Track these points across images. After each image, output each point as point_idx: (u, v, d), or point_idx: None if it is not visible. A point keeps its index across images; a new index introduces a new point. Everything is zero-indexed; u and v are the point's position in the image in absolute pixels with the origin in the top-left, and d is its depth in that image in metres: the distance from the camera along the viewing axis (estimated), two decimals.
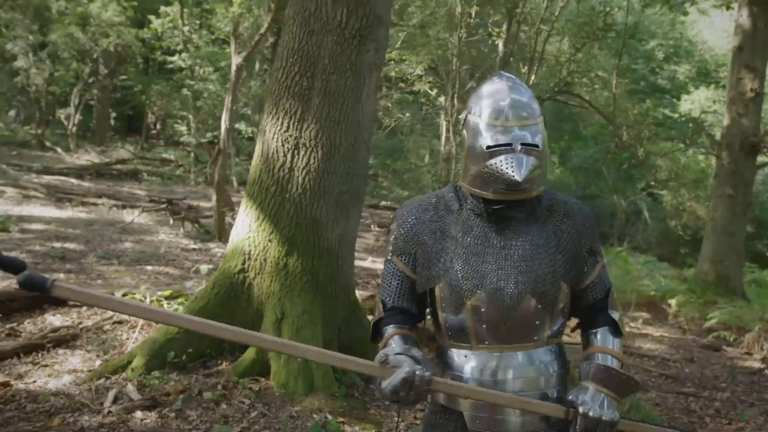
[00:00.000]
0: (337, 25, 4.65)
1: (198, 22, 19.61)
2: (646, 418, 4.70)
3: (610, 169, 20.36)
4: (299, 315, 4.46)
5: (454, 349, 1.89)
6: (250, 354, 4.45)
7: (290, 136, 4.70)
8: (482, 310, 1.81)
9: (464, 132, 1.87)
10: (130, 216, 12.09)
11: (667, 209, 21.42)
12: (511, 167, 1.74)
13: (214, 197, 11.14)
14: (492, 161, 1.76)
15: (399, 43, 12.76)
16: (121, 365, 4.32)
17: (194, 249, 10.09)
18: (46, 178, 15.81)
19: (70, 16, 21.18)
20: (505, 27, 12.55)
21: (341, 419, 3.92)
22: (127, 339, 4.92)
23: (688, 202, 20.17)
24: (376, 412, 4.28)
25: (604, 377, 1.78)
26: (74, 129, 22.71)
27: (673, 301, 10.05)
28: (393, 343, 1.85)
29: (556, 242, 1.84)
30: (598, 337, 1.87)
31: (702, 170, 19.56)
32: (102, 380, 4.15)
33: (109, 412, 3.72)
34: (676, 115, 21.81)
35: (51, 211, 12.00)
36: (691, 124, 17.29)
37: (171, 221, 12.01)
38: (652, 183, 21.78)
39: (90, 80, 23.91)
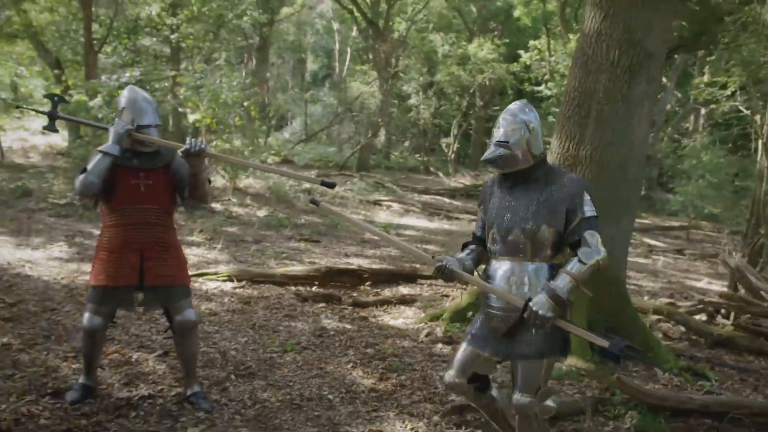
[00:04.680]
0: (609, 64, 5.74)
1: (564, 51, 21.10)
2: None
3: None
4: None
5: (489, 258, 3.20)
6: None
7: (570, 155, 5.94)
8: (494, 235, 3.11)
9: None
10: None
11: None
12: (486, 154, 3.09)
13: None
14: None
15: (706, 67, 12.34)
16: (435, 317, 6.16)
17: None
18: (425, 197, 19.07)
19: (452, 57, 24.84)
20: None
21: (583, 373, 5.06)
22: (446, 305, 6.73)
23: None
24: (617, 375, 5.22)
25: (550, 292, 2.86)
26: (452, 156, 26.25)
27: None
28: (461, 252, 3.28)
29: (546, 199, 3.00)
30: (569, 262, 2.94)
31: None
32: (421, 324, 6.05)
33: (421, 341, 5.56)
34: None
35: (423, 222, 14.85)
36: None
37: None
38: None
39: (468, 112, 27.35)
